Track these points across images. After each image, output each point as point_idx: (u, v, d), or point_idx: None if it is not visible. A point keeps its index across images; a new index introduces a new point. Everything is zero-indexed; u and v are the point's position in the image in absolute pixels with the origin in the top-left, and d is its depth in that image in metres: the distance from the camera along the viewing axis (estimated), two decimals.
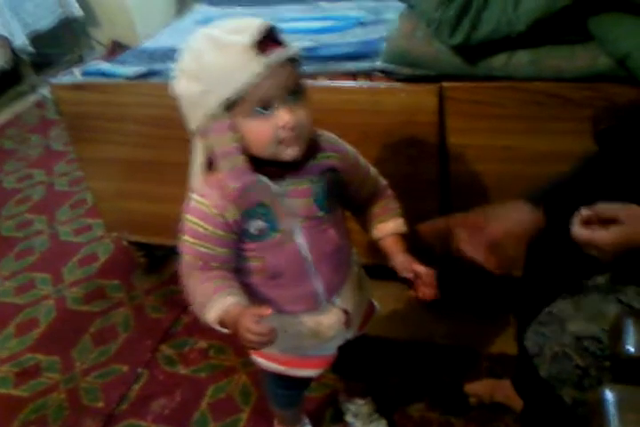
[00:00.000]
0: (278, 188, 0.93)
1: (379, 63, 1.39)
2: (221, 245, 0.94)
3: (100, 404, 1.56)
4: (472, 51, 1.24)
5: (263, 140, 0.86)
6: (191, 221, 0.94)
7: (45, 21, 3.41)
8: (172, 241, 1.81)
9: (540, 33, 1.17)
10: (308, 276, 1.01)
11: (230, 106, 0.84)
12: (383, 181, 1.08)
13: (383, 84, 1.38)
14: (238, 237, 0.95)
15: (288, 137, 0.86)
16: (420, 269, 0.99)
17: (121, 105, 1.61)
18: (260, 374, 1.37)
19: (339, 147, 1.00)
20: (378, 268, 1.19)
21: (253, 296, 1.04)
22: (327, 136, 0.99)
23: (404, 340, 1.59)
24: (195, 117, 0.88)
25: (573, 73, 1.19)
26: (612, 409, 0.65)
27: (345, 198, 1.04)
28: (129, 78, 1.61)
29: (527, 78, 1.23)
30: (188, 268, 0.95)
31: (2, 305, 1.95)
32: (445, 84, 1.30)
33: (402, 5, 1.42)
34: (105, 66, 1.72)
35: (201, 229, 0.93)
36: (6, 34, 3.12)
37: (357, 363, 1.30)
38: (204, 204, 0.92)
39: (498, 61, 1.24)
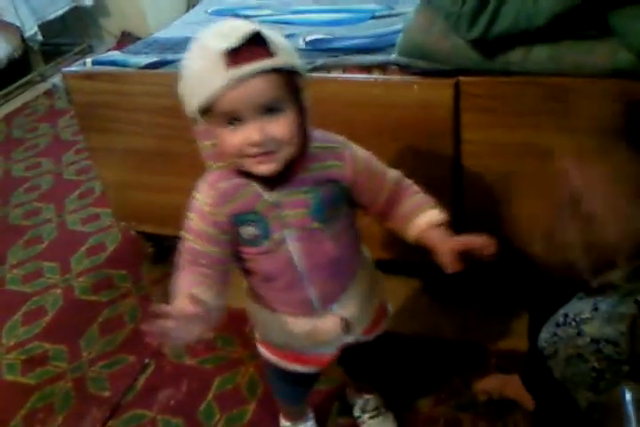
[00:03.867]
0: (272, 197, 0.91)
1: (393, 56, 1.38)
2: (211, 244, 0.93)
3: (107, 393, 1.56)
4: (489, 45, 1.23)
5: (230, 153, 0.85)
6: (190, 217, 0.94)
7: (55, 9, 3.40)
8: (180, 232, 1.83)
9: (560, 28, 1.15)
10: (300, 284, 0.99)
11: (205, 113, 0.83)
12: (406, 181, 1.02)
13: (398, 78, 1.37)
14: (231, 238, 0.94)
15: (256, 153, 0.84)
16: (468, 241, 0.91)
17: (132, 94, 1.60)
18: (263, 367, 1.36)
19: (343, 154, 0.94)
20: (385, 262, 1.18)
21: (253, 293, 1.05)
22: (330, 143, 0.95)
23: (412, 335, 1.58)
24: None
25: (593, 68, 1.17)
26: (630, 409, 0.64)
27: (363, 206, 1.01)
28: (140, 68, 1.60)
29: (545, 73, 1.21)
30: (180, 262, 0.95)
31: (10, 293, 1.95)
32: (462, 78, 1.29)
33: None
34: (117, 55, 1.72)
35: (193, 225, 0.93)
36: (17, 23, 3.11)
37: (366, 361, 1.29)
38: (199, 200, 0.93)
39: (515, 56, 1.22)
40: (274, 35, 0.82)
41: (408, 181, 1.03)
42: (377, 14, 1.75)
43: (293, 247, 0.95)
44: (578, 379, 0.93)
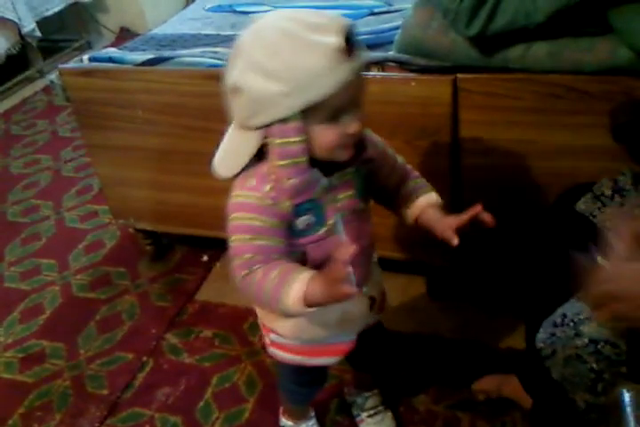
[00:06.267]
0: (327, 182, 0.91)
1: (392, 53, 1.38)
2: (279, 236, 0.90)
3: (105, 391, 1.56)
4: (488, 42, 1.22)
5: (329, 146, 0.85)
6: (243, 217, 0.90)
7: (53, 5, 3.39)
8: (178, 229, 1.83)
9: (559, 24, 1.15)
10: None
11: (306, 110, 0.80)
12: (409, 166, 1.06)
13: (396, 75, 1.36)
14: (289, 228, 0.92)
15: (350, 143, 0.87)
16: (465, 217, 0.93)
17: (129, 91, 1.59)
18: (276, 370, 1.36)
19: (371, 137, 0.98)
20: (385, 261, 1.18)
21: None
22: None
23: (411, 333, 1.58)
24: (261, 116, 0.82)
25: (592, 66, 1.16)
26: (629, 411, 0.64)
27: (375, 189, 1.02)
28: (137, 65, 1.59)
29: (544, 71, 1.21)
30: (248, 266, 0.89)
31: (7, 291, 1.95)
32: (460, 75, 1.28)
33: None
34: (113, 52, 1.71)
35: (257, 223, 0.89)
36: (15, 19, 3.10)
37: (368, 355, 1.28)
38: (255, 197, 0.89)
39: (514, 53, 1.22)
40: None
41: (410, 166, 1.07)
42: (375, 11, 1.74)
43: (343, 231, 0.95)
44: (576, 380, 0.93)
